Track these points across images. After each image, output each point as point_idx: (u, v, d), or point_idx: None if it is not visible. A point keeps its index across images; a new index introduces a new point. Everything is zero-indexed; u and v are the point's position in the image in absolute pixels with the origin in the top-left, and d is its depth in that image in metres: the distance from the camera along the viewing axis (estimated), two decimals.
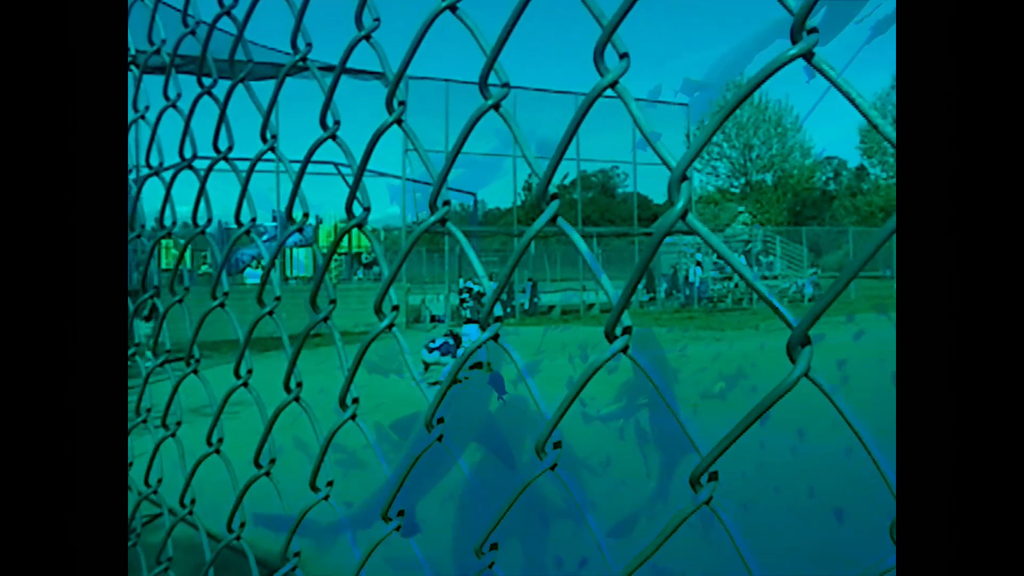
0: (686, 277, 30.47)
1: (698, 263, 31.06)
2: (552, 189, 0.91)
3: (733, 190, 50.39)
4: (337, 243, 1.38)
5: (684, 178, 0.73)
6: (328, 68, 1.24)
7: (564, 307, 29.00)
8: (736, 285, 30.51)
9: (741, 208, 45.24)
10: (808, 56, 0.64)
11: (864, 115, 0.61)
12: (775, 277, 32.40)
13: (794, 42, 0.64)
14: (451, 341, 13.85)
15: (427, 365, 13.48)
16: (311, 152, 1.31)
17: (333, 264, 25.61)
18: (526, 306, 28.61)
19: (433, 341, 14.00)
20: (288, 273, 26.83)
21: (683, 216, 0.74)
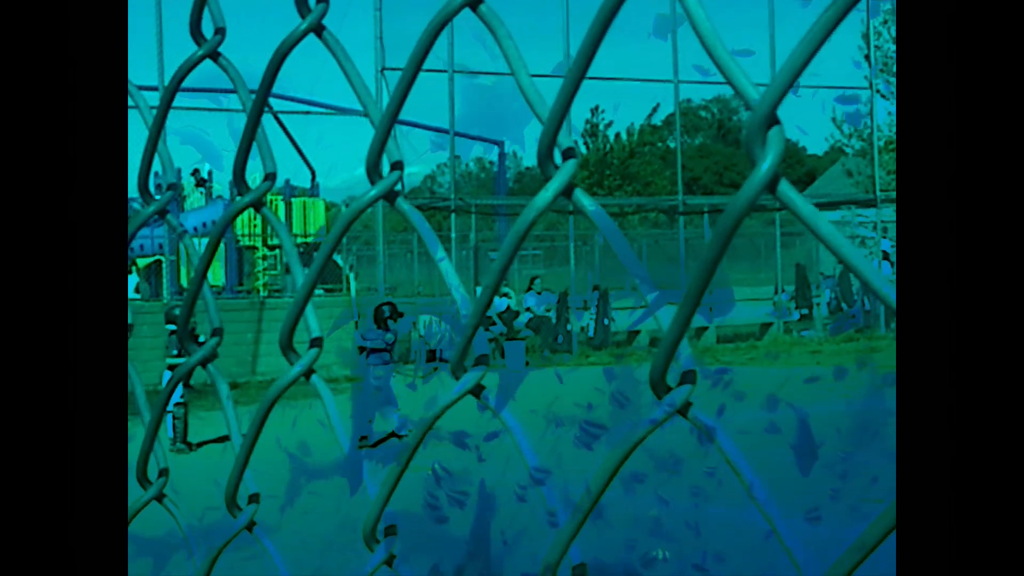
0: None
1: (885, 254, 17.93)
2: (565, 141, 0.56)
3: None
4: (220, 235, 0.97)
5: (774, 121, 0.45)
6: None
7: (656, 333, 13.86)
8: None
9: None
10: None
11: None
12: None
13: None
14: (389, 339, 10.62)
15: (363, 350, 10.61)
16: (179, 80, 0.92)
17: (263, 266, 18.23)
18: (591, 331, 17.71)
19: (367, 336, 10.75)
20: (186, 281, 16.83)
21: (772, 185, 0.45)
